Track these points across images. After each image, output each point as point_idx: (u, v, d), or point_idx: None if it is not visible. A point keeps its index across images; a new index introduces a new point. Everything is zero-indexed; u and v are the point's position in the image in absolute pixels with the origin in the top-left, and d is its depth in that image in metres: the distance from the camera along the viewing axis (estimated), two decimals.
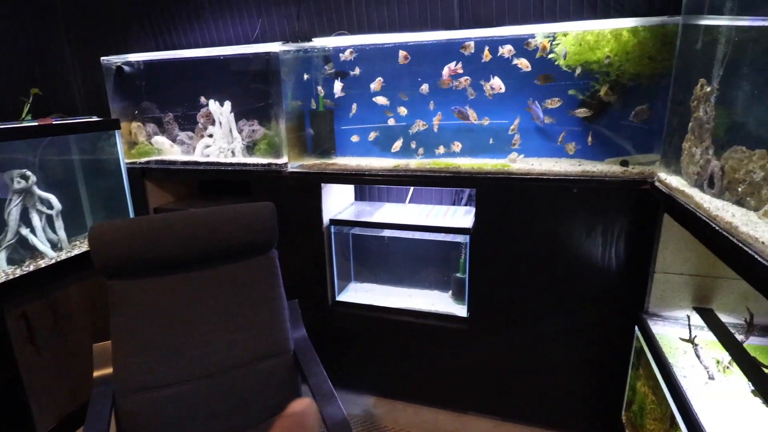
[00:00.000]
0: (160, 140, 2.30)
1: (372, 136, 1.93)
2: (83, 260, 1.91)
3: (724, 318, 1.30)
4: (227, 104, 2.12)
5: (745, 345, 1.19)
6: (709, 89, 1.09)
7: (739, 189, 0.94)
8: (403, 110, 1.82)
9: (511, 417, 1.87)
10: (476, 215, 1.71)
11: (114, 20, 2.48)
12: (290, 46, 1.88)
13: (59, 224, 1.92)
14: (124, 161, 2.13)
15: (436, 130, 1.81)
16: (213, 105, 2.13)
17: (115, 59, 2.23)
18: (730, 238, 0.88)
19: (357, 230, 2.13)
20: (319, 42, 1.88)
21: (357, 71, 1.84)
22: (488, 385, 1.87)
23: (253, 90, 2.16)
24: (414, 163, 1.77)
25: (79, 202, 2.16)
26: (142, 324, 1.43)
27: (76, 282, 1.90)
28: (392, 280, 2.21)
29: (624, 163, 1.59)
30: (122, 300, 1.40)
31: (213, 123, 2.19)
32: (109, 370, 1.38)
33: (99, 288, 1.97)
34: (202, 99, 2.22)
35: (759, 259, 0.77)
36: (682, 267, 1.34)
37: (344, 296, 2.10)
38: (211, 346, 1.47)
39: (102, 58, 2.23)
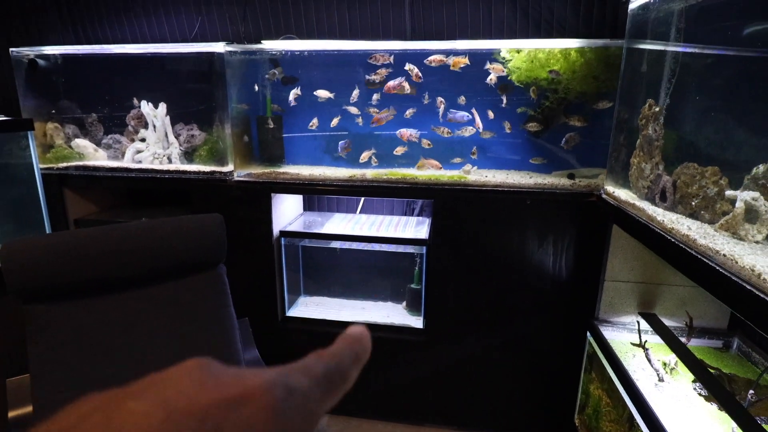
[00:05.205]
0: (83, 143, 2.06)
1: (344, 150, 1.85)
2: None
3: (667, 322, 1.39)
4: (162, 106, 1.95)
5: (688, 346, 1.28)
6: (657, 109, 1.17)
7: (693, 203, 1.01)
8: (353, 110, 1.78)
9: (467, 425, 1.88)
10: (432, 226, 1.70)
11: (25, 7, 2.19)
12: (237, 47, 1.77)
13: None
14: (38, 166, 1.87)
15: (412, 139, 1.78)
16: (146, 106, 1.95)
17: (27, 51, 1.97)
18: (688, 250, 0.93)
19: (307, 242, 2.05)
20: (268, 45, 1.79)
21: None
22: (444, 395, 1.86)
23: (191, 92, 2.01)
24: (370, 173, 1.73)
25: None
26: (68, 354, 1.25)
27: None
28: (344, 293, 2.14)
29: (571, 176, 1.67)
30: (43, 327, 1.22)
31: (145, 126, 2.00)
32: (28, 409, 1.19)
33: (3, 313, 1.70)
34: (135, 100, 2.02)
35: (721, 270, 0.83)
36: (628, 275, 1.42)
37: (294, 311, 2.00)
38: None
39: (11, 49, 1.96)
